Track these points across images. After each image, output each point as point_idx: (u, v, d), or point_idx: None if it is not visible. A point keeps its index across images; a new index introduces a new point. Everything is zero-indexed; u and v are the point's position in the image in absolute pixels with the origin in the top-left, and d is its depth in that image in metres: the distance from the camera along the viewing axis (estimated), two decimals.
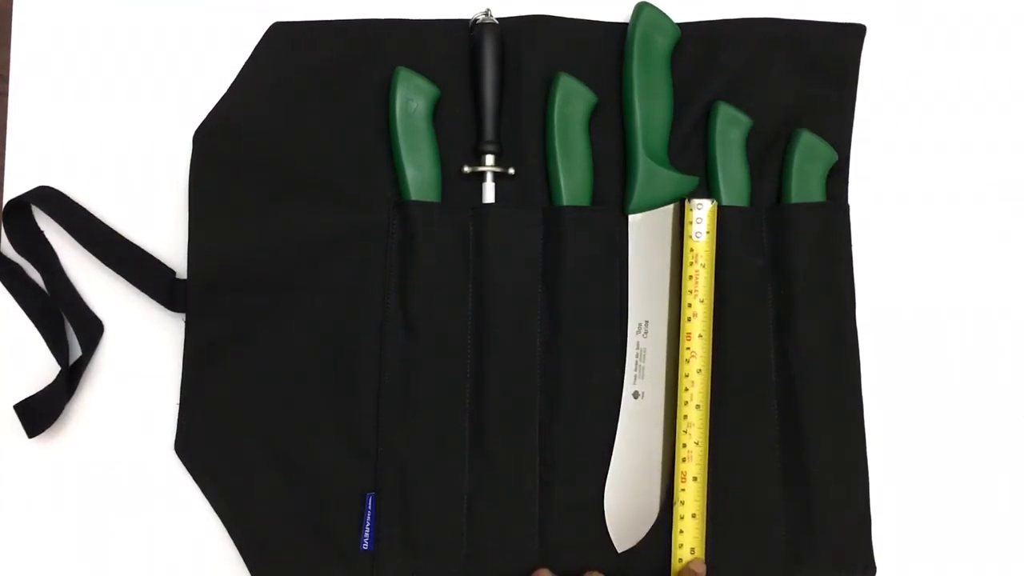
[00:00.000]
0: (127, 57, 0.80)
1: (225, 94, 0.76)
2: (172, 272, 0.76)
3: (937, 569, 0.76)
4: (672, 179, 0.76)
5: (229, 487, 0.73)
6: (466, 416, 0.74)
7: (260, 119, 0.76)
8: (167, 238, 0.77)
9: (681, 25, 0.77)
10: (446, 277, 0.75)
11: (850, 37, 0.79)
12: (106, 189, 0.78)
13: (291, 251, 0.75)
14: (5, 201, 0.77)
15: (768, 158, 0.78)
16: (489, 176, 0.76)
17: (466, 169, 0.76)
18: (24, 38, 0.80)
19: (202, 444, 0.73)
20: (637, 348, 0.75)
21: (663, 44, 0.77)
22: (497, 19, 0.77)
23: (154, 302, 0.75)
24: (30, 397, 0.74)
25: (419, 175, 0.75)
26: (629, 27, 0.77)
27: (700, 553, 0.72)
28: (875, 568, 0.74)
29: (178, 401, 0.74)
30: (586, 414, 0.74)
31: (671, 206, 0.76)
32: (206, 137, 0.75)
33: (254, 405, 0.74)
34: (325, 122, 0.76)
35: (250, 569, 0.72)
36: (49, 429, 0.74)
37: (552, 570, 0.72)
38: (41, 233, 0.78)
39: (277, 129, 0.76)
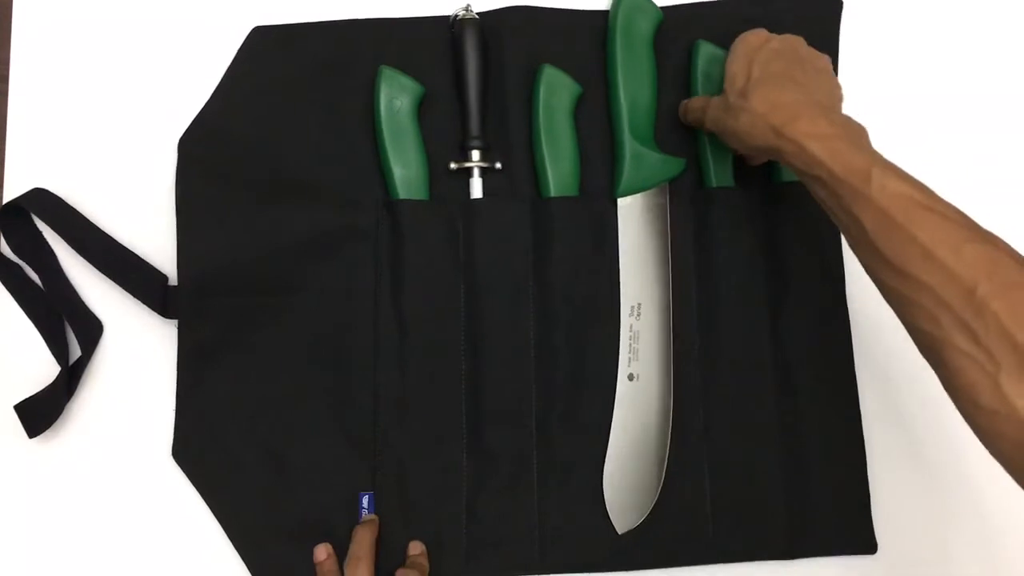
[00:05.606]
0: (128, 57, 0.80)
1: (208, 100, 0.77)
2: (165, 278, 0.75)
3: (938, 547, 0.73)
4: (659, 161, 0.75)
5: (227, 489, 0.73)
6: (462, 412, 0.73)
7: (244, 123, 0.76)
8: (165, 243, 0.76)
9: (664, 9, 0.77)
10: (437, 274, 0.75)
11: (825, 12, 0.78)
12: (106, 189, 0.78)
13: (281, 254, 0.75)
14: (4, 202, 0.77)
15: None
16: (476, 171, 0.76)
17: (453, 165, 0.76)
18: (24, 38, 0.81)
19: (199, 448, 0.73)
20: (631, 331, 0.74)
21: (646, 27, 0.76)
22: (477, 14, 0.77)
23: None
24: (30, 397, 0.74)
25: (406, 173, 0.75)
26: (611, 11, 0.77)
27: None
28: (876, 546, 0.72)
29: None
30: (583, 402, 0.73)
31: (659, 188, 0.75)
32: (191, 144, 0.76)
33: (249, 408, 0.74)
34: (310, 124, 0.77)
35: (250, 569, 0.72)
36: (49, 429, 0.74)
37: (552, 560, 0.71)
38: (40, 234, 0.77)
39: (262, 132, 0.76)
